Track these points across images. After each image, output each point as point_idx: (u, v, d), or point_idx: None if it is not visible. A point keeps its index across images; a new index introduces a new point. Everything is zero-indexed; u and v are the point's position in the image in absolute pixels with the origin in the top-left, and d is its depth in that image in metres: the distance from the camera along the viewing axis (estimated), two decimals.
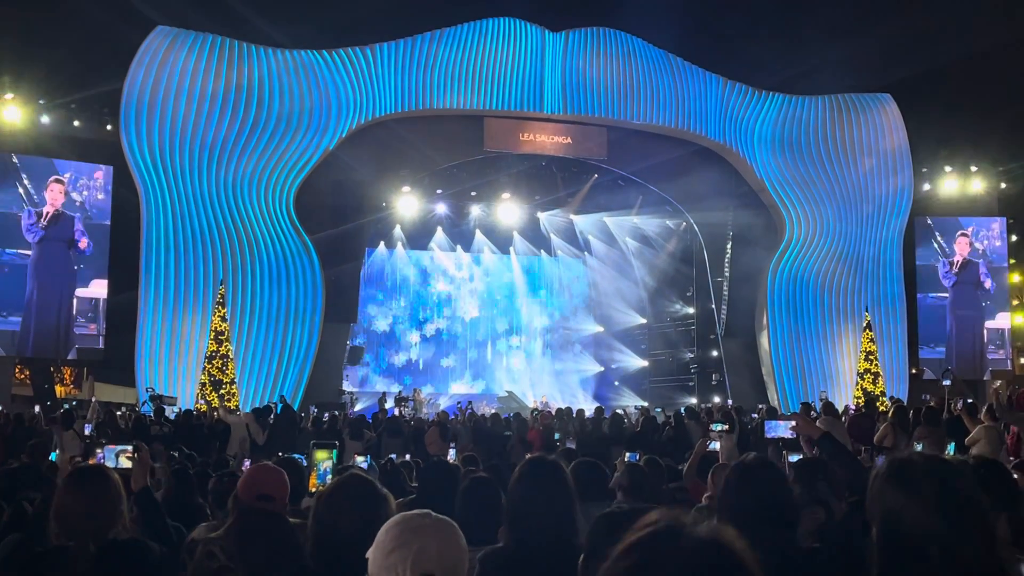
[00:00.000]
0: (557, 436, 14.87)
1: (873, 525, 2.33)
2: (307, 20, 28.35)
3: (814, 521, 3.85)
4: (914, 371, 28.14)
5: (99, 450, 4.51)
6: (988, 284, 28.89)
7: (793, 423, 5.02)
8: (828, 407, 14.77)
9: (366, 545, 2.62)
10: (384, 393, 25.51)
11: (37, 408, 17.34)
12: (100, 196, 24.23)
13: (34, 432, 13.64)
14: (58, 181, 23.59)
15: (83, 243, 23.84)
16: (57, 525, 3.53)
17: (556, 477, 3.47)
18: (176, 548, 4.10)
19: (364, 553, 2.48)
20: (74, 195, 23.89)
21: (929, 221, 29.22)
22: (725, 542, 1.40)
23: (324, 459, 5.12)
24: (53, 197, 23.54)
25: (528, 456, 3.79)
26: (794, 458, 5.38)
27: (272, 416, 17.10)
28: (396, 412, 20.62)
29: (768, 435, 5.01)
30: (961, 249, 28.96)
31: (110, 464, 4.41)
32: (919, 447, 7.52)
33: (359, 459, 8.30)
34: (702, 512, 5.75)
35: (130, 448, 4.38)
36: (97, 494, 3.55)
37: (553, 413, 18.79)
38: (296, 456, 5.93)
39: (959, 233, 29.01)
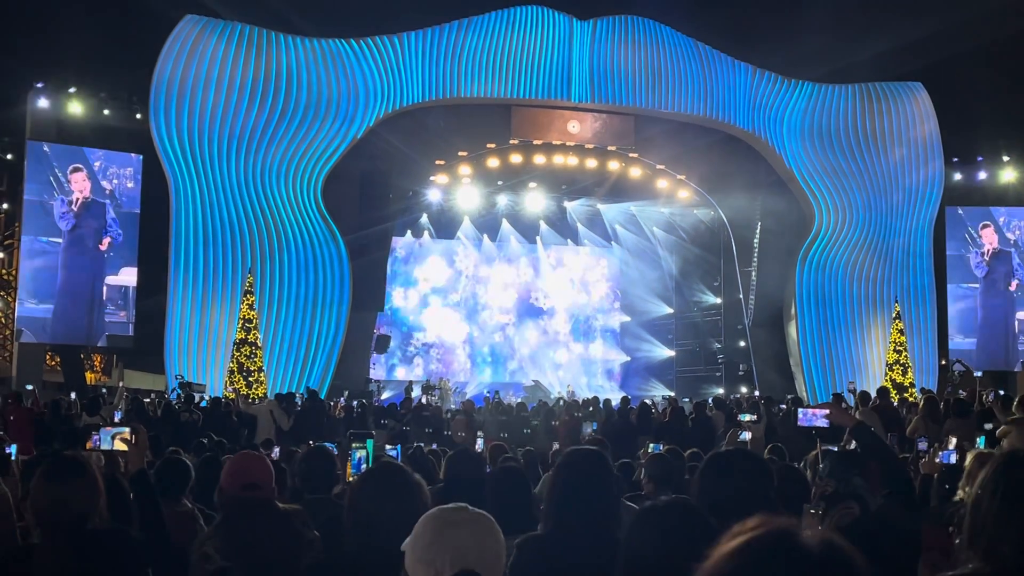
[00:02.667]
0: (595, 427, 14.69)
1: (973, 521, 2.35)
2: (335, 9, 28.36)
3: (848, 516, 3.81)
4: (943, 362, 27.89)
5: (95, 432, 4.49)
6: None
7: (827, 411, 4.96)
8: (864, 398, 14.63)
9: (402, 532, 2.62)
10: (411, 382, 25.56)
11: (73, 395, 17.48)
12: (130, 184, 24.38)
13: (69, 420, 13.77)
14: (77, 169, 23.68)
15: (104, 243, 23.89)
16: (33, 518, 3.50)
17: (600, 467, 3.48)
18: (166, 533, 4.05)
19: (400, 540, 2.48)
20: (104, 183, 24.05)
21: (960, 211, 28.92)
22: (840, 550, 1.36)
23: (359, 448, 5.13)
24: (79, 186, 23.67)
25: (568, 447, 3.79)
26: (827, 448, 5.34)
27: (299, 405, 17.20)
28: (422, 401, 20.65)
29: (801, 423, 4.95)
30: (988, 239, 28.64)
31: (105, 446, 4.36)
32: (954, 440, 7.43)
33: (388, 448, 8.32)
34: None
35: (126, 430, 4.35)
36: (73, 485, 3.48)
37: (580, 403, 18.79)
38: (328, 444, 5.94)
39: (982, 225, 28.67)
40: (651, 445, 8.70)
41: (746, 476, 3.13)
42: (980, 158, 29.99)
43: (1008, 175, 29.75)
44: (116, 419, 15.07)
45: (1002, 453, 2.56)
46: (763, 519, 1.43)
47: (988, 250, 28.59)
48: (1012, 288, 28.51)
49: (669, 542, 2.47)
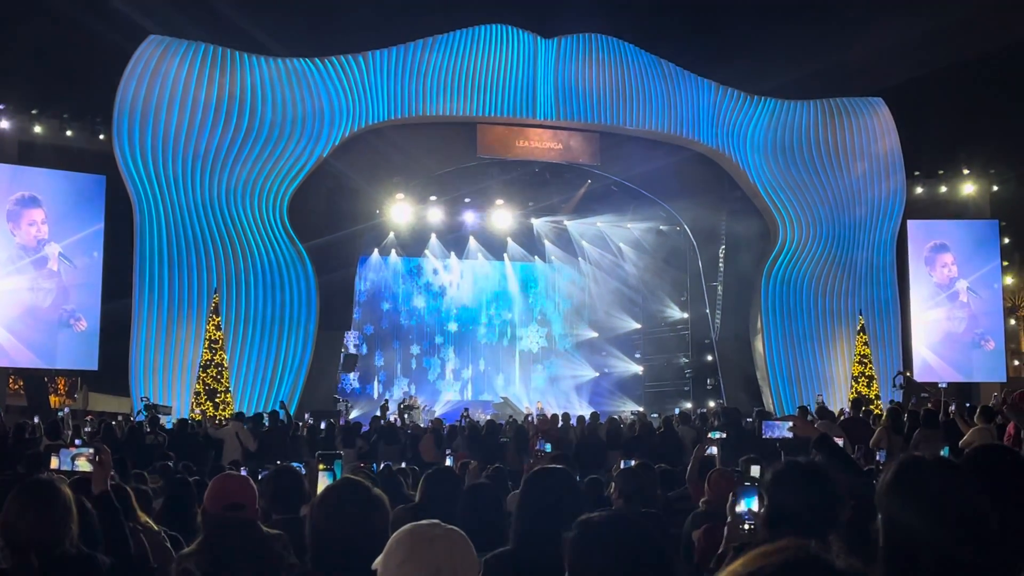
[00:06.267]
0: (548, 447, 14.56)
1: (879, 530, 2.32)
2: (299, 28, 28.35)
3: None
4: (908, 374, 28.15)
5: (54, 455, 4.45)
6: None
7: (791, 424, 5.02)
8: (822, 411, 14.78)
9: (364, 547, 2.61)
10: (386, 400, 25.49)
11: (36, 419, 17.24)
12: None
13: (33, 443, 13.59)
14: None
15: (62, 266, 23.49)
16: (4, 541, 3.47)
17: (567, 485, 3.51)
18: (130, 556, 4.02)
19: (362, 555, 2.47)
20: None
21: (922, 224, 29.21)
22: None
23: (324, 470, 5.11)
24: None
25: (534, 464, 3.83)
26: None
27: (265, 424, 17.09)
28: (393, 419, 20.59)
29: (766, 435, 5.00)
30: (943, 263, 28.94)
31: (66, 468, 4.33)
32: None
33: (381, 466, 8.28)
34: (698, 516, 5.76)
35: (88, 451, 4.32)
36: (45, 509, 3.46)
37: (549, 418, 18.77)
38: (295, 464, 5.91)
39: (938, 260, 28.92)
40: (622, 462, 8.70)
41: (815, 492, 3.17)
42: (941, 171, 30.41)
43: (968, 188, 30.19)
44: (76, 444, 14.91)
45: (900, 458, 2.49)
46: (789, 542, 1.39)
47: (946, 274, 28.92)
48: (964, 299, 28.82)
49: (611, 558, 2.48)
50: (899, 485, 2.32)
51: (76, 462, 4.33)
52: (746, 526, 3.61)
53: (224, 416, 20.90)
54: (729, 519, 3.69)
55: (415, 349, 32.87)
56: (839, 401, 25.25)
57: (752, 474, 6.59)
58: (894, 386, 23.69)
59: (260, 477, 7.69)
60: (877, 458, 8.64)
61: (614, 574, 2.45)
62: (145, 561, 4.53)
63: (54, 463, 4.43)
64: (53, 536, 3.42)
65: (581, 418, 18.20)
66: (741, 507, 3.69)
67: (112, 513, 4.07)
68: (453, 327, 33.27)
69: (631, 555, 2.47)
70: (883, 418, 14.21)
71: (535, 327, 34.04)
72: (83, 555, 3.55)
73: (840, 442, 9.85)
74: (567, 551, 2.56)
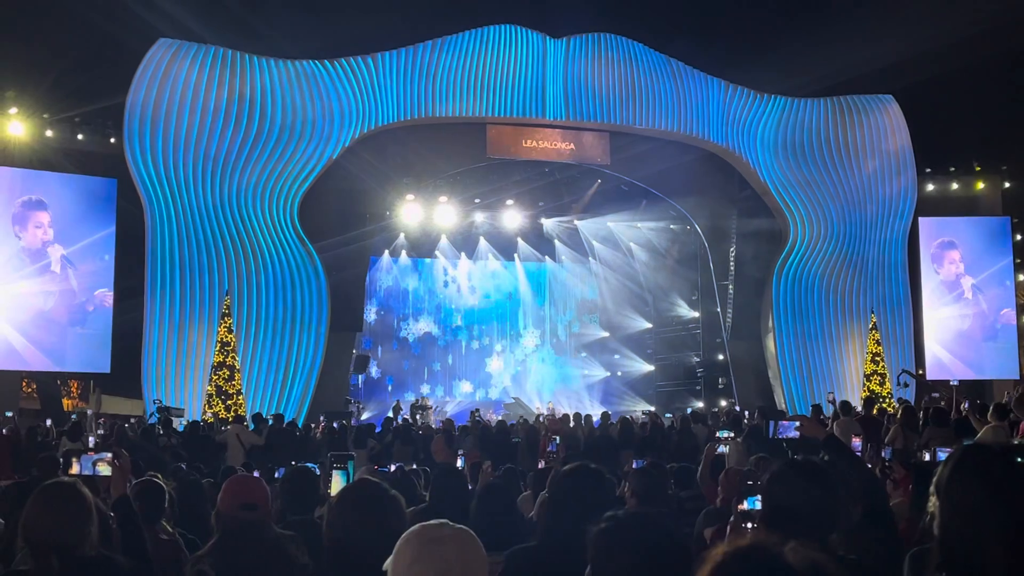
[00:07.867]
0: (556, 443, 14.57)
1: (934, 519, 2.27)
2: (309, 30, 28.39)
3: None
4: (920, 372, 28.06)
5: (74, 459, 4.47)
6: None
7: (798, 423, 5.02)
8: (845, 407, 14.69)
9: (380, 548, 2.63)
10: (398, 401, 25.54)
11: (48, 421, 17.32)
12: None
13: (46, 446, 13.67)
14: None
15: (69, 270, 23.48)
16: (24, 542, 3.50)
17: (596, 483, 3.56)
18: (148, 559, 4.05)
19: (378, 555, 2.49)
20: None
21: (933, 221, 29.11)
22: (825, 569, 1.34)
23: (337, 469, 5.12)
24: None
25: (546, 464, 3.87)
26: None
27: (270, 428, 17.10)
28: (406, 419, 20.62)
29: (780, 435, 5.00)
30: (951, 260, 28.81)
31: (86, 472, 4.35)
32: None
33: (392, 468, 8.30)
34: (711, 515, 5.76)
35: (108, 455, 4.34)
36: (67, 511, 3.49)
37: (560, 418, 18.79)
38: (309, 465, 5.92)
39: (946, 257, 28.78)
40: (634, 461, 8.70)
41: (814, 491, 3.18)
42: (952, 168, 30.29)
43: (980, 185, 30.08)
44: (90, 445, 14.96)
45: (963, 445, 2.38)
46: (754, 536, 1.40)
47: (953, 271, 28.81)
48: (968, 297, 28.70)
49: (634, 555, 2.49)
50: (963, 470, 2.27)
51: (97, 467, 4.35)
52: (749, 525, 3.63)
53: (230, 417, 20.96)
54: (732, 518, 3.71)
55: (424, 349, 32.87)
56: (851, 400, 25.12)
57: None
58: (898, 384, 23.62)
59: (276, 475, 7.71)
60: (883, 455, 8.61)
61: (636, 571, 2.47)
62: (162, 563, 4.55)
63: (75, 469, 4.44)
64: (74, 538, 3.44)
65: (589, 417, 18.23)
66: (745, 507, 3.71)
67: (130, 517, 4.09)
68: (463, 327, 33.27)
69: (653, 552, 2.48)
70: (898, 416, 14.15)
71: (546, 327, 34.03)
72: (103, 557, 3.57)
73: (859, 441, 9.86)
74: (590, 546, 2.58)
